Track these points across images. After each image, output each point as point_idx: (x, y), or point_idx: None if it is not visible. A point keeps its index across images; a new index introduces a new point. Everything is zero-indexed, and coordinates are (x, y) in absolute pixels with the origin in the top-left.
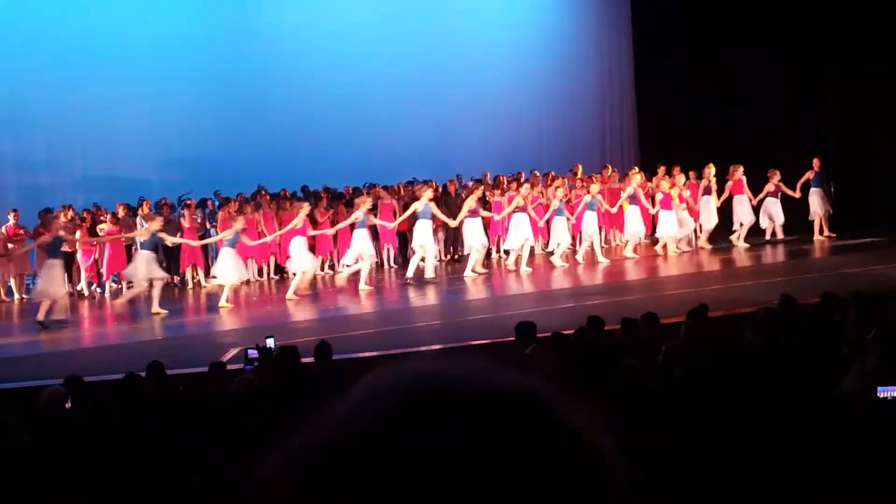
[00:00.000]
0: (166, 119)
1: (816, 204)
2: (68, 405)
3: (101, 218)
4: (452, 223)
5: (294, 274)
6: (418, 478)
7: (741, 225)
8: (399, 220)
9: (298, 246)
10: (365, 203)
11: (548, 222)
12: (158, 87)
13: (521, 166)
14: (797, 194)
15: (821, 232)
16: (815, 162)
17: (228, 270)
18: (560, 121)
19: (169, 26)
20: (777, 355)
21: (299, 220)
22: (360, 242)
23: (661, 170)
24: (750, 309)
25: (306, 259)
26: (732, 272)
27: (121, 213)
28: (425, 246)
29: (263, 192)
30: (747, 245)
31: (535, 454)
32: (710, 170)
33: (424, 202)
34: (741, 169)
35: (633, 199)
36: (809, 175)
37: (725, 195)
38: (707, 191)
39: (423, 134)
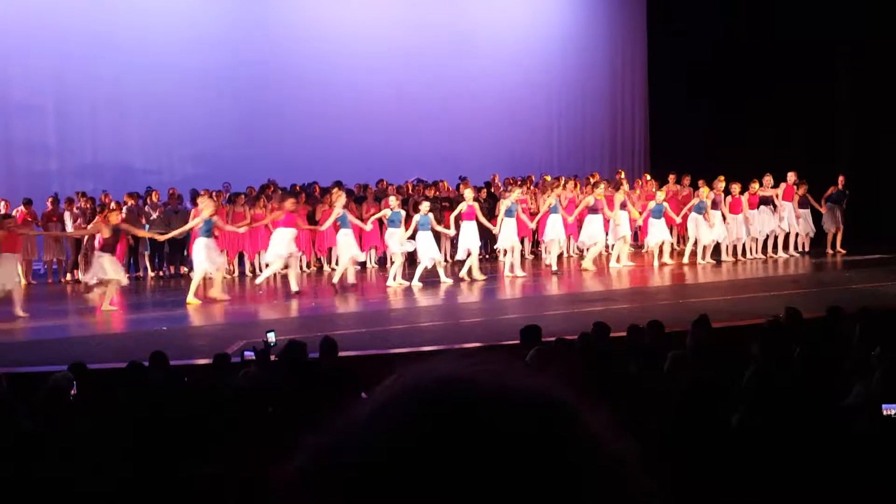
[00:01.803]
0: (177, 110)
1: (830, 219)
2: (73, 392)
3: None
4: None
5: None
6: (437, 484)
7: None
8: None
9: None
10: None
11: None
12: (171, 78)
13: (531, 170)
14: (823, 209)
15: (832, 247)
16: (840, 179)
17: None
18: (572, 126)
19: (184, 17)
20: (781, 368)
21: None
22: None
23: (672, 178)
24: (756, 321)
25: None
26: (741, 283)
27: (129, 202)
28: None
29: (272, 187)
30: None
31: (556, 461)
32: (769, 179)
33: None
34: (792, 175)
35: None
36: (832, 190)
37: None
38: (765, 201)
39: (434, 135)
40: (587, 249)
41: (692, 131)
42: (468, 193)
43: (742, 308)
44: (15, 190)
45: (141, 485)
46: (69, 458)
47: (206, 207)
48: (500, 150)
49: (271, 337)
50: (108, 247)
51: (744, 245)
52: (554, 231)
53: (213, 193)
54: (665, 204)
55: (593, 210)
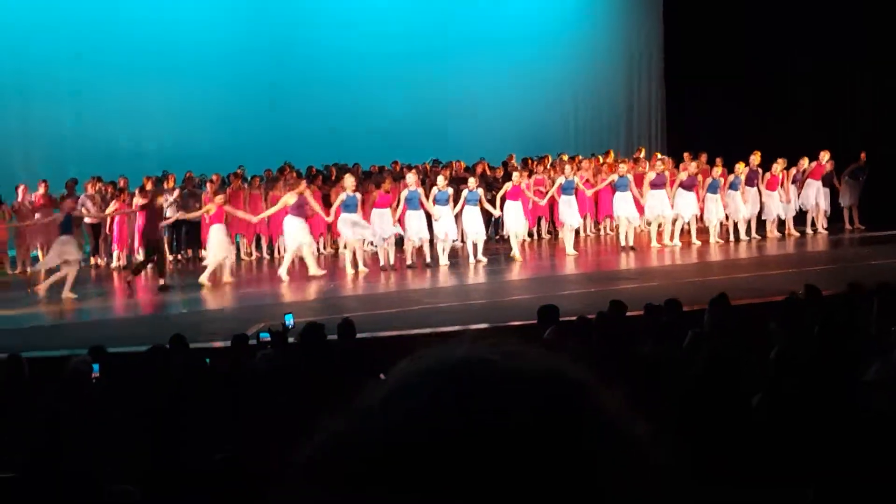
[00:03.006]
0: (191, 96)
1: (847, 195)
2: (95, 375)
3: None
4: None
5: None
6: (455, 466)
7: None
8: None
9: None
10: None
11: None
12: (184, 62)
13: (548, 150)
14: (840, 185)
15: (850, 223)
16: (863, 156)
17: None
18: (588, 106)
19: (198, 2)
20: (799, 345)
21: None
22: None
23: (688, 156)
24: (775, 298)
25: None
26: (759, 261)
27: (148, 186)
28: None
29: (289, 169)
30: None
31: (573, 442)
32: (805, 161)
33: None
34: (825, 154)
35: (656, 185)
36: (853, 166)
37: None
38: (794, 179)
39: (449, 116)
40: (649, 224)
41: (708, 111)
42: (515, 174)
43: (760, 285)
44: (32, 175)
45: (160, 468)
46: (91, 441)
47: (349, 185)
48: (516, 130)
49: (289, 319)
50: (297, 213)
51: (782, 221)
52: (622, 209)
53: (229, 176)
54: (722, 179)
55: (656, 185)
